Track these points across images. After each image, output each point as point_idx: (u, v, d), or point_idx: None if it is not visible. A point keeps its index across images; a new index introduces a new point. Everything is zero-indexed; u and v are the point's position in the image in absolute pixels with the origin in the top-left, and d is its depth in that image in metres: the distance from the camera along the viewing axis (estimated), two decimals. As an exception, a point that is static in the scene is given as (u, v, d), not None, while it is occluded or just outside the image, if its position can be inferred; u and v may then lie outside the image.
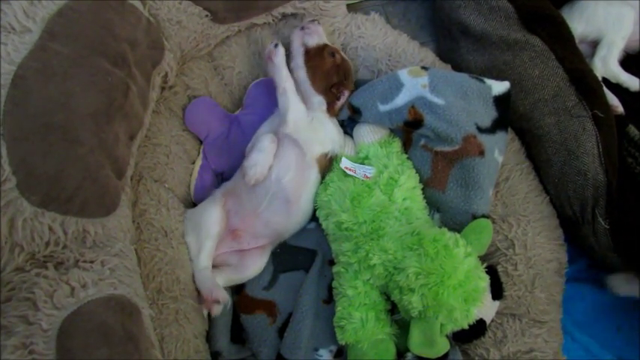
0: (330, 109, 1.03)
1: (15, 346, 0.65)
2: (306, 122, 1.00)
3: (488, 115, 0.97)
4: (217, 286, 0.95)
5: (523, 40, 1.06)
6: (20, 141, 0.69)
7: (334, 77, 1.03)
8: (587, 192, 0.96)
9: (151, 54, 0.94)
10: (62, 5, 0.77)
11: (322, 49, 1.04)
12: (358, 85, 1.05)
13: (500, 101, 0.99)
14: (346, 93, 1.04)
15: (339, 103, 1.03)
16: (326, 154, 1.01)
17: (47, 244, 0.73)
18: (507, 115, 1.00)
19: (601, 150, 0.96)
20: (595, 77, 1.04)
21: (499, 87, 0.99)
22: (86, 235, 0.76)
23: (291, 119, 0.98)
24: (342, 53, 1.09)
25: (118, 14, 0.84)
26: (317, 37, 1.05)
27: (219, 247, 1.00)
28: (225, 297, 0.95)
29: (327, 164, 1.02)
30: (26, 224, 0.70)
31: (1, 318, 0.67)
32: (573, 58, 0.84)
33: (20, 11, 0.73)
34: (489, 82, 1.00)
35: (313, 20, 1.07)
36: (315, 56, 1.03)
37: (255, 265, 1.01)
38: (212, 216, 0.98)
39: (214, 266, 0.99)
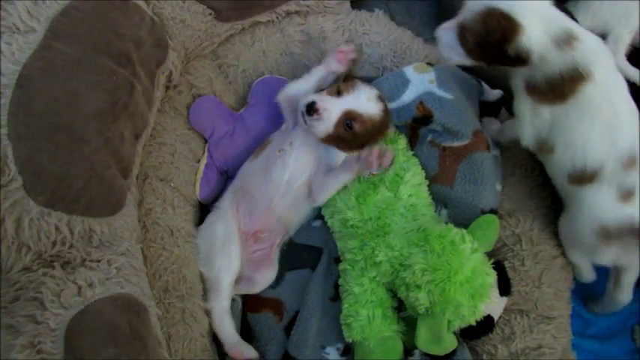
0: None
1: (23, 345, 0.65)
2: None
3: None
4: (244, 344, 0.93)
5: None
6: (26, 141, 0.69)
7: (356, 145, 0.95)
8: None
9: (155, 53, 0.94)
10: (66, 5, 0.77)
11: (337, 125, 0.91)
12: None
13: (490, 106, 1.00)
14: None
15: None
16: None
17: (54, 243, 0.73)
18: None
19: None
20: None
21: (490, 95, 1.00)
22: (92, 234, 0.76)
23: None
24: (369, 112, 0.92)
25: (122, 13, 0.84)
26: (324, 123, 0.91)
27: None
28: (254, 354, 0.93)
29: None
30: (33, 224, 0.70)
31: (9, 317, 0.67)
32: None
33: (24, 11, 0.74)
34: (485, 86, 1.01)
35: (313, 104, 0.90)
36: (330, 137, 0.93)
37: (267, 276, 1.00)
38: (232, 251, 0.95)
39: None
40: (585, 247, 0.92)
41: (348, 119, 0.91)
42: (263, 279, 0.99)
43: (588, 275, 0.99)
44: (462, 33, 0.84)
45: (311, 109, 0.89)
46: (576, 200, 0.88)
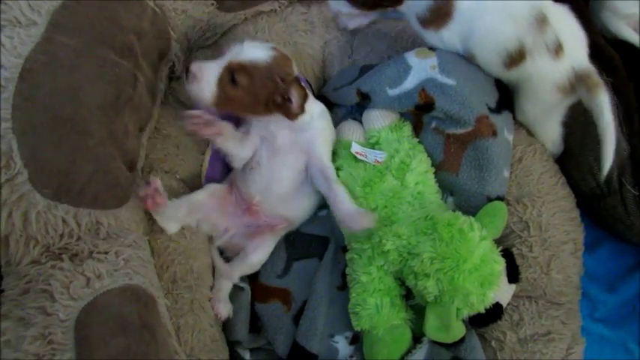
0: (291, 116, 0.88)
1: (34, 336, 0.66)
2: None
3: (493, 94, 0.96)
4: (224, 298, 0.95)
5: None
6: (30, 134, 0.69)
7: (261, 105, 0.86)
8: None
9: (158, 44, 0.94)
10: (66, -3, 0.77)
11: (220, 82, 0.84)
12: (366, 70, 1.04)
13: (500, 81, 0.98)
14: (294, 92, 0.85)
15: (295, 104, 0.87)
16: None
17: (61, 236, 0.73)
18: (508, 94, 0.99)
19: (621, 118, 0.98)
20: (611, 48, 1.03)
21: None
22: (99, 226, 0.77)
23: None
24: (251, 57, 0.83)
25: (123, 5, 0.84)
26: (203, 86, 0.83)
27: (236, 225, 0.99)
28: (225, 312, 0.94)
29: None
30: (40, 217, 0.71)
31: (19, 309, 0.68)
32: (590, 34, 0.91)
33: (25, 4, 0.73)
34: None
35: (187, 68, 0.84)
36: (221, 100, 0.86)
37: (262, 245, 0.98)
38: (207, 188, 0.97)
39: (229, 257, 0.99)
40: (555, 111, 0.96)
41: (231, 72, 0.82)
42: (257, 248, 0.97)
43: (561, 145, 1.02)
44: None
45: (187, 74, 0.83)
46: (526, 79, 0.92)
